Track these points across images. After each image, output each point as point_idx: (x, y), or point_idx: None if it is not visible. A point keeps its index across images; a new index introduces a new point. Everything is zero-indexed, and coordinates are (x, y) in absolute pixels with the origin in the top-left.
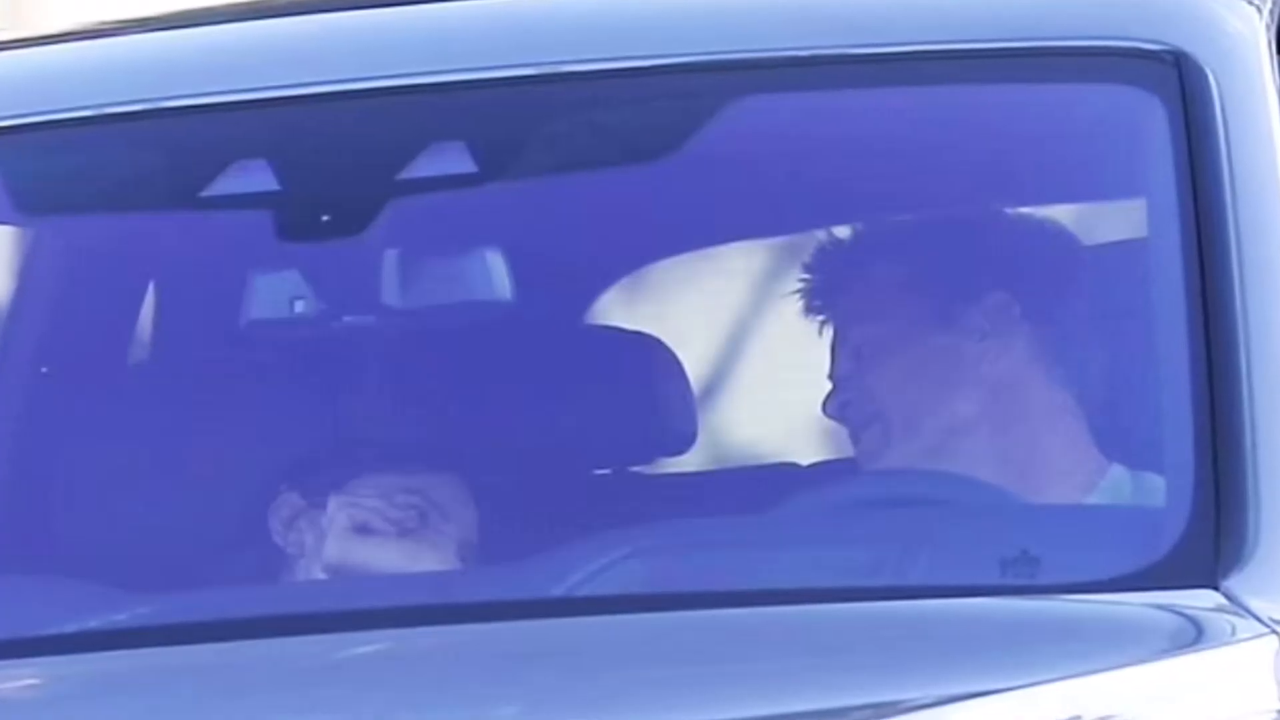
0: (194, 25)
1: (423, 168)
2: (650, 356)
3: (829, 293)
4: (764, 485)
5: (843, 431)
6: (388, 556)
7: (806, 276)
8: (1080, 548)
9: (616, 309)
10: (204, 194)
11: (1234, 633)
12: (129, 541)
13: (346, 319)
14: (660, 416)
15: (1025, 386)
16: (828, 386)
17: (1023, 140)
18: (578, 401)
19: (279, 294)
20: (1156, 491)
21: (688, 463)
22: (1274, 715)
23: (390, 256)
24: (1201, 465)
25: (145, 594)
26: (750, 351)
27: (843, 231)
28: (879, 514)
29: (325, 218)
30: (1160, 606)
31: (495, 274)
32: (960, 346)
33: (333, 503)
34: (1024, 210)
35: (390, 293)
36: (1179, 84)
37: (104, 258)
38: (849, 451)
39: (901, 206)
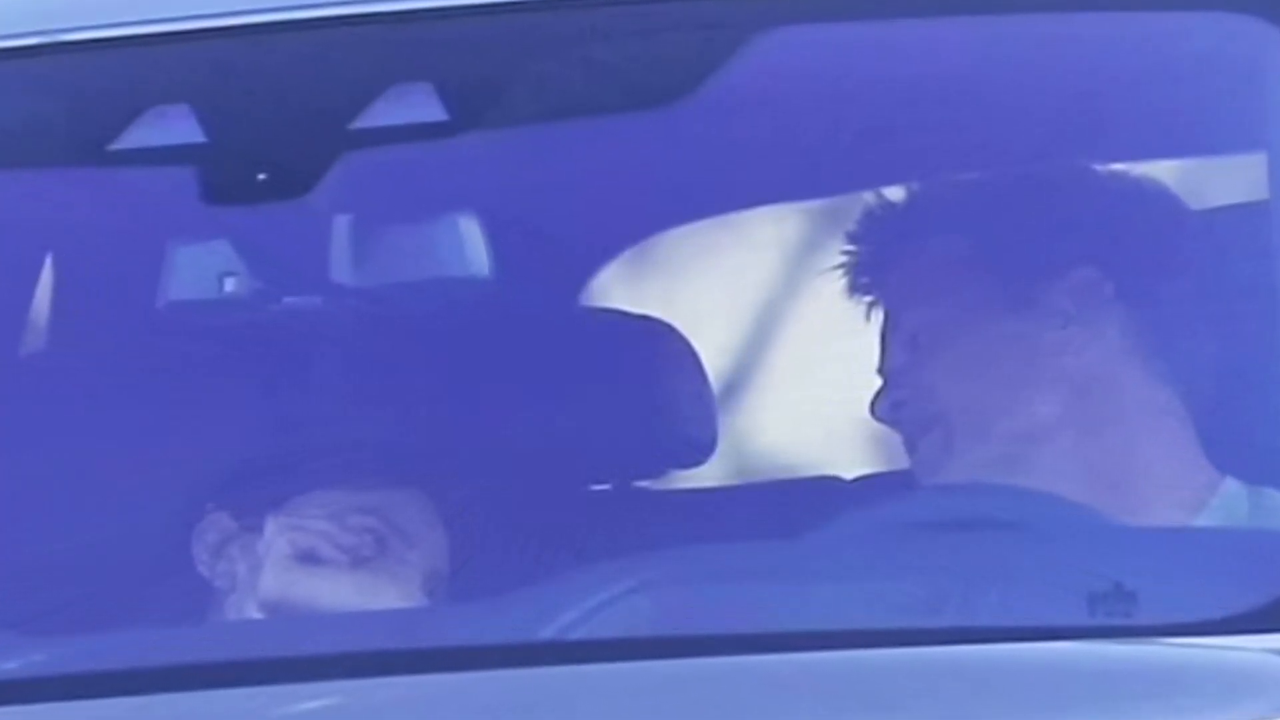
0: None
1: (381, 115)
2: (659, 346)
3: (878, 268)
4: (798, 503)
5: (896, 437)
6: (338, 591)
7: (851, 249)
8: (1186, 580)
9: (618, 288)
10: (113, 147)
11: None
12: (20, 573)
13: (288, 300)
14: (671, 419)
15: (1118, 383)
16: (877, 383)
17: (1113, 81)
18: (571, 401)
19: (205, 270)
20: (1278, 512)
21: (705, 476)
22: None
23: (341, 224)
24: None
25: (41, 638)
26: (781, 340)
27: (895, 194)
28: (939, 539)
29: (261, 176)
30: None
31: (470, 245)
32: (1038, 334)
33: (271, 525)
34: (1116, 167)
35: (341, 268)
36: None
37: None
38: (903, 462)
39: (966, 163)
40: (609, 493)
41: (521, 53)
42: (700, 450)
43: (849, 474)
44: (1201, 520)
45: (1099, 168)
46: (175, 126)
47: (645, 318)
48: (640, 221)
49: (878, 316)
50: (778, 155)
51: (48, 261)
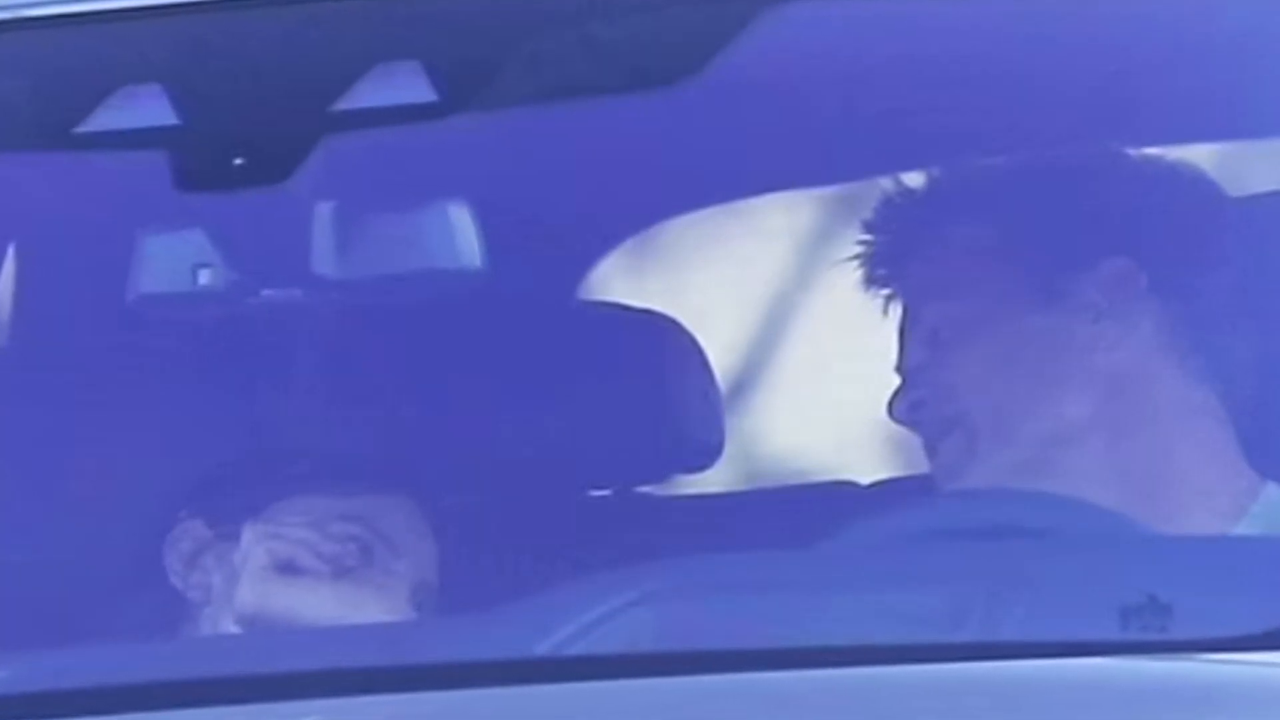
0: None
1: (366, 95)
2: (663, 343)
3: (897, 259)
4: (811, 510)
5: (915, 440)
6: (320, 603)
7: (868, 238)
8: (1224, 592)
9: (619, 280)
10: (80, 129)
11: None
12: None
13: (267, 293)
14: (676, 421)
15: (1152, 381)
16: (895, 382)
17: (1146, 60)
18: (570, 401)
19: (178, 261)
20: None
21: (711, 481)
22: None
23: (323, 212)
24: None
25: (2, 653)
26: (793, 336)
27: (914, 180)
28: (961, 548)
29: (238, 161)
30: None
31: (461, 235)
32: (1067, 329)
33: (248, 533)
34: (1149, 151)
35: (324, 259)
36: None
37: None
38: (922, 466)
39: (990, 147)
40: (609, 499)
41: (516, 29)
42: (706, 453)
43: (865, 479)
44: (1241, 528)
45: (1131, 152)
46: (146, 107)
47: (648, 312)
48: (642, 209)
49: (896, 310)
50: (789, 139)
51: (9, 252)
